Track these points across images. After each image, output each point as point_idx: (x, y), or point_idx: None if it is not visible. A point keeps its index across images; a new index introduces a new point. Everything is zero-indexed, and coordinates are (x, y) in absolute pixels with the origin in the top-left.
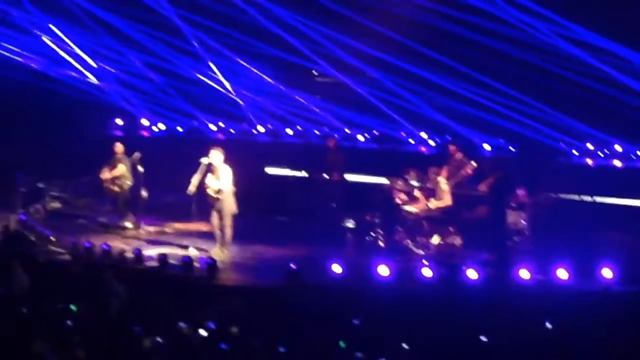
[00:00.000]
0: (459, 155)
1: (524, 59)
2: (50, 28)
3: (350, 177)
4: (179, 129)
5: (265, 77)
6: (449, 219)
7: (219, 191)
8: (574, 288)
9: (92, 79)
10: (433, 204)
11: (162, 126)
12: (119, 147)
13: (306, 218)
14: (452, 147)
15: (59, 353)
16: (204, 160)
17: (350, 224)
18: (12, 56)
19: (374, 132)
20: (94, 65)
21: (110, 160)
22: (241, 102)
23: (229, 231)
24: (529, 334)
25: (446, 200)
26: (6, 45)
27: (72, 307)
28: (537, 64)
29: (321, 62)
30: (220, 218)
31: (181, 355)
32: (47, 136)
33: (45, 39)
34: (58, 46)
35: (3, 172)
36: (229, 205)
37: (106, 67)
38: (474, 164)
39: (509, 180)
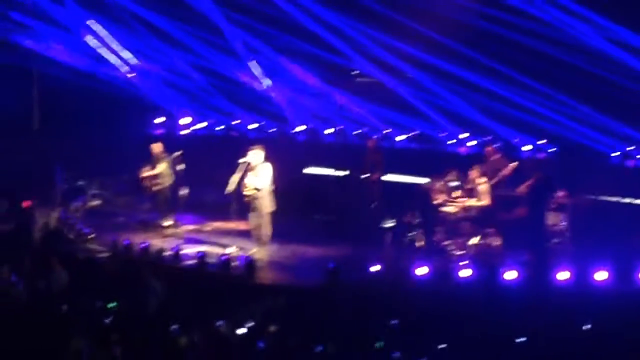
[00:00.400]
0: (496, 157)
1: (565, 60)
2: (92, 27)
3: (389, 177)
4: (219, 127)
5: (305, 76)
6: (489, 219)
7: (258, 190)
8: (613, 290)
9: (133, 76)
10: (472, 203)
11: (202, 125)
12: (156, 148)
13: (345, 218)
14: (488, 149)
15: (97, 350)
16: (243, 160)
17: (389, 224)
18: (55, 54)
19: (414, 132)
20: (136, 63)
21: (150, 159)
22: (281, 101)
23: (266, 229)
24: (567, 335)
25: (485, 200)
26: (50, 43)
27: (111, 304)
28: (578, 65)
29: (361, 61)
30: (258, 217)
31: (218, 353)
32: (88, 134)
33: (88, 37)
34: (101, 45)
35: (44, 170)
36: (267, 203)
37: (148, 66)
38: (512, 165)
39: (549, 182)
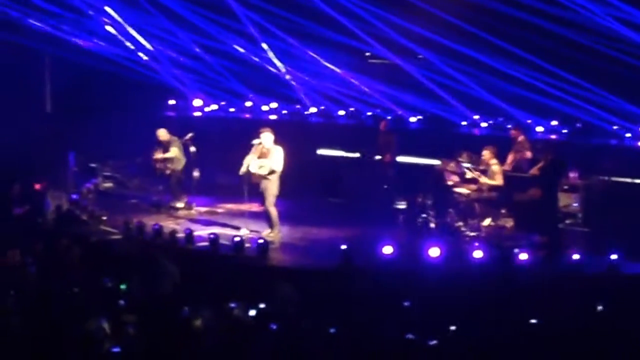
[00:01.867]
0: (521, 138)
1: (578, 41)
2: (105, 10)
3: (402, 158)
4: (232, 109)
5: (318, 58)
6: (501, 201)
7: (272, 172)
8: (625, 271)
9: (145, 58)
10: (484, 180)
11: (214, 107)
12: (162, 134)
13: (358, 199)
14: (513, 132)
15: (112, 332)
16: (256, 142)
17: (402, 205)
18: (67, 37)
19: (426, 113)
20: (149, 46)
21: (161, 142)
22: (294, 83)
23: (274, 211)
24: (580, 317)
25: (497, 181)
26: (63, 27)
27: (122, 285)
28: (591, 46)
29: (374, 43)
30: (264, 199)
31: (232, 335)
32: (100, 117)
33: (102, 20)
34: (113, 28)
35: (57, 153)
36: (274, 186)
37: (160, 48)
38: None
39: (562, 163)
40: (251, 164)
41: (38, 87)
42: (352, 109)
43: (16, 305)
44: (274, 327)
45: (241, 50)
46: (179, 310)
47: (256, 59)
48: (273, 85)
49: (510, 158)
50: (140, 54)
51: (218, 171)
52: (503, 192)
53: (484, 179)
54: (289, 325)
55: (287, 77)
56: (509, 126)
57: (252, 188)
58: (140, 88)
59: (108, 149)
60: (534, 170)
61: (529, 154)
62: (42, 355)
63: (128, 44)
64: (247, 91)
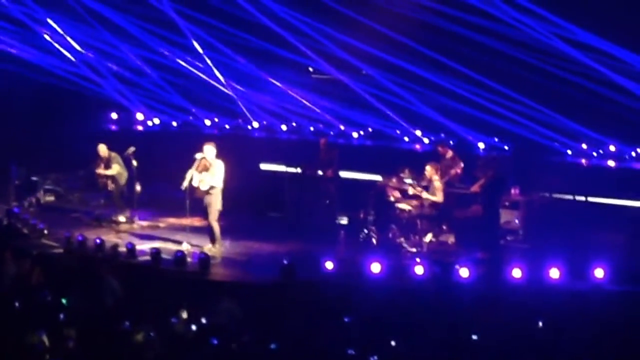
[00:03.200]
0: (449, 154)
1: (520, 58)
2: (46, 21)
3: (344, 174)
4: (174, 123)
5: (261, 73)
6: (443, 217)
7: (212, 187)
8: (566, 287)
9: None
10: (426, 196)
11: (156, 120)
12: (102, 150)
13: (300, 214)
14: (441, 148)
15: (52, 345)
16: (198, 156)
17: (343, 220)
18: (7, 48)
19: (369, 129)
20: (91, 59)
21: (102, 158)
22: (234, 96)
23: (216, 226)
24: (520, 333)
25: (439, 196)
26: (3, 38)
27: (63, 300)
28: (532, 63)
29: (317, 58)
30: (208, 214)
31: (173, 349)
32: (42, 129)
33: (42, 31)
34: (54, 39)
35: None
36: (217, 200)
37: (102, 61)
38: (461, 164)
39: (503, 179)
40: (193, 178)
41: None
42: (294, 124)
43: None
44: (215, 341)
45: (184, 64)
46: (120, 324)
47: (199, 73)
48: (216, 99)
49: (437, 172)
50: (83, 67)
51: (160, 185)
52: (445, 208)
53: (425, 195)
54: (230, 339)
55: (226, 90)
56: (442, 141)
57: (194, 202)
58: (83, 101)
59: (50, 162)
60: (475, 187)
61: (459, 170)
62: None
63: (71, 57)
64: (190, 105)
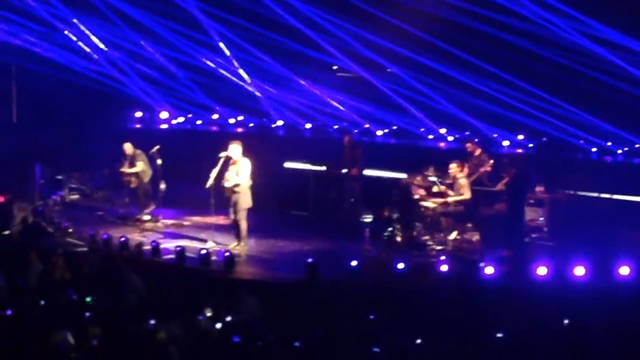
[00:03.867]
0: (477, 152)
1: (545, 55)
2: (72, 21)
3: (369, 172)
4: (199, 122)
5: (286, 71)
6: (467, 215)
7: (236, 185)
8: (591, 285)
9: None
10: (451, 195)
11: (181, 119)
12: (127, 148)
13: (324, 213)
14: (469, 145)
15: (77, 344)
16: (223, 154)
17: (368, 219)
18: (32, 48)
19: (393, 127)
20: (116, 57)
21: (127, 156)
22: (259, 94)
23: (244, 225)
24: (545, 331)
25: (465, 194)
26: (29, 38)
27: (88, 298)
28: (557, 60)
29: (341, 56)
30: (235, 212)
31: (196, 348)
32: (67, 128)
33: (68, 31)
34: (80, 39)
35: (23, 164)
36: (245, 199)
37: (127, 60)
38: (491, 162)
39: (527, 177)
40: (225, 175)
41: (4, 98)
42: (319, 122)
43: None
44: (238, 339)
45: (208, 63)
46: (144, 322)
47: (223, 72)
48: (240, 98)
49: (465, 170)
50: (107, 65)
51: (185, 184)
52: (469, 206)
53: (451, 193)
54: (254, 338)
55: (251, 89)
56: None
57: (218, 200)
58: (107, 100)
59: (75, 161)
60: (500, 186)
61: (488, 168)
62: None
63: (95, 56)
64: (214, 104)
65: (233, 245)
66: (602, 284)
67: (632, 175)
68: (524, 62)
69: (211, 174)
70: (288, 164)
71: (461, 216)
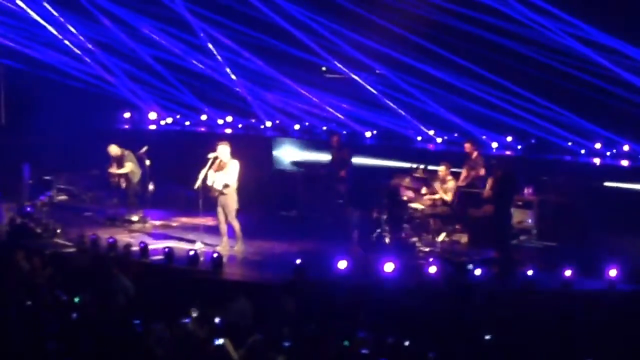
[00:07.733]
0: (475, 155)
1: (533, 57)
2: (60, 20)
3: (359, 160)
4: (187, 123)
5: (274, 72)
6: (456, 216)
7: (226, 186)
8: (578, 287)
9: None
10: (439, 194)
11: (169, 120)
12: (113, 149)
13: (312, 214)
14: (467, 146)
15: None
16: (212, 155)
17: (356, 220)
18: (21, 48)
19: (382, 129)
20: (103, 58)
21: (114, 157)
22: (248, 97)
23: (237, 225)
24: (533, 332)
25: (449, 196)
26: (16, 37)
27: (76, 299)
28: (546, 62)
29: (330, 58)
30: (226, 214)
31: (184, 349)
32: (55, 129)
33: (55, 31)
34: (67, 39)
35: (11, 164)
36: (233, 200)
37: (115, 60)
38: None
39: (512, 179)
40: (208, 177)
41: None
42: (307, 123)
43: None
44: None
45: (197, 63)
46: (132, 323)
47: (212, 73)
48: (228, 98)
49: (464, 174)
50: (95, 66)
51: (173, 185)
52: (458, 207)
53: (439, 192)
54: (242, 338)
55: (240, 90)
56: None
57: (206, 201)
58: (95, 100)
59: (63, 161)
60: (487, 192)
61: (482, 171)
62: None
63: (83, 55)
64: (203, 105)
65: (221, 246)
66: (590, 286)
67: (620, 177)
68: (513, 64)
69: (200, 174)
70: (276, 165)
71: (449, 217)
